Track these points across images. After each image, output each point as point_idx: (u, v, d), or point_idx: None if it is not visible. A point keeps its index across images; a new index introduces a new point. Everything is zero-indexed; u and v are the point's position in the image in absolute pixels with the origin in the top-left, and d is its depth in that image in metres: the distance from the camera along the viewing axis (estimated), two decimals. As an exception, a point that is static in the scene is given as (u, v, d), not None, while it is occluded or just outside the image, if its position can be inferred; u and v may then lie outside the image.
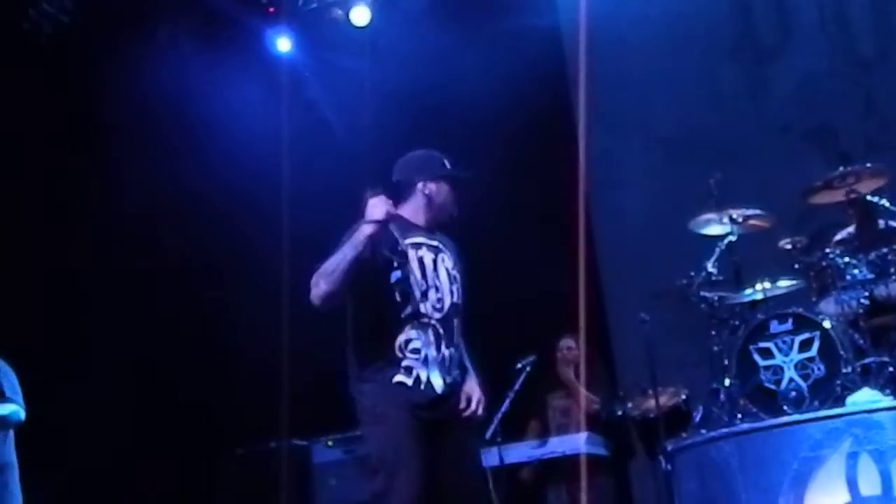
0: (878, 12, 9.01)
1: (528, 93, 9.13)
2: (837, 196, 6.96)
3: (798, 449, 5.96)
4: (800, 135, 9.03)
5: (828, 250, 6.88)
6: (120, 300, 9.20)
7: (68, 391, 8.65)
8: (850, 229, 7.16)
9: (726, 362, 6.75)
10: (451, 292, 4.90)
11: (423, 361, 4.77)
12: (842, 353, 6.36)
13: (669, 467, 6.57)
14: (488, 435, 7.08)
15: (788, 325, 6.52)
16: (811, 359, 6.42)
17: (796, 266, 6.96)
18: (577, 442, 7.62)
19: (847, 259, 6.72)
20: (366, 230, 4.72)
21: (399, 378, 4.75)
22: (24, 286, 8.80)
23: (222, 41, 9.32)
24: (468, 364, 5.02)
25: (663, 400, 7.15)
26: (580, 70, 9.03)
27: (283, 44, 9.79)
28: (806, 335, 6.45)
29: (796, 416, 6.18)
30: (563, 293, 7.91)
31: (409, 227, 4.94)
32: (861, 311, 6.63)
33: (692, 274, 7.05)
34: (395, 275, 4.80)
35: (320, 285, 4.72)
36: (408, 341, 4.78)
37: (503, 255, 8.66)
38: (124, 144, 9.25)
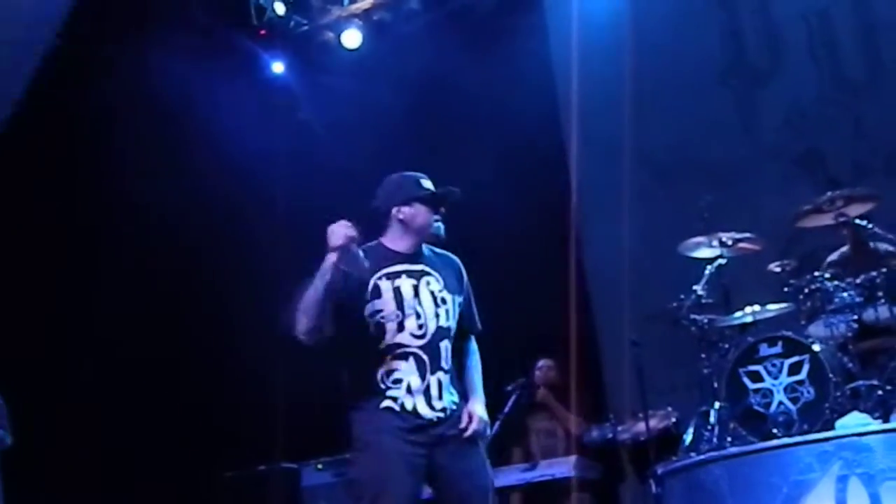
0: (867, 37, 9.04)
1: (519, 115, 9.16)
2: (826, 220, 7.00)
3: (788, 472, 5.94)
4: (789, 159, 9.05)
5: (817, 273, 6.91)
6: (112, 323, 9.19)
7: (59, 413, 8.63)
8: (844, 249, 7.19)
9: (716, 385, 6.76)
10: (437, 316, 4.83)
11: (406, 391, 4.75)
12: (831, 376, 6.36)
13: (659, 490, 6.53)
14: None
15: (778, 348, 6.52)
16: (800, 382, 6.42)
17: (785, 289, 6.97)
18: (567, 465, 7.61)
19: (836, 282, 6.75)
20: (330, 258, 4.67)
21: (386, 404, 4.74)
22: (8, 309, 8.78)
23: (215, 62, 9.35)
24: (476, 385, 4.96)
25: (653, 423, 7.16)
26: (571, 94, 9.09)
27: (277, 66, 9.89)
28: (795, 358, 6.46)
29: (786, 440, 6.16)
30: (553, 316, 7.92)
31: (387, 256, 4.88)
32: (850, 334, 6.66)
33: (682, 297, 7.08)
34: (368, 308, 4.78)
35: (301, 321, 4.70)
36: (389, 372, 4.76)
37: (493, 277, 8.63)
38: (120, 153, 9.26)
